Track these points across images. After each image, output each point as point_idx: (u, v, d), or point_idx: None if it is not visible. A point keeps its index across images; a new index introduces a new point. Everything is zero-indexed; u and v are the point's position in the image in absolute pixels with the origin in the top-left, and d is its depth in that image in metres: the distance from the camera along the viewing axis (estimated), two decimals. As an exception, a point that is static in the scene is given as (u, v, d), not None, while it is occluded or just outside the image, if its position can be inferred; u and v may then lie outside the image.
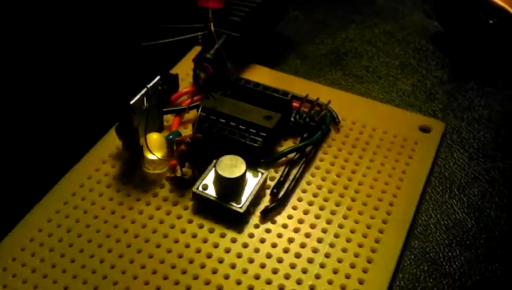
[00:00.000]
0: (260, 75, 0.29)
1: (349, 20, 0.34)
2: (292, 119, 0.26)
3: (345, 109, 0.27)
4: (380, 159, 0.25)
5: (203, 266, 0.21)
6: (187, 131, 0.26)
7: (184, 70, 0.29)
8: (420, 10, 0.34)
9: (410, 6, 0.35)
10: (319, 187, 0.24)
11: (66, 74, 0.30)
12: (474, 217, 0.23)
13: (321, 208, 0.23)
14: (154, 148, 0.24)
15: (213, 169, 0.23)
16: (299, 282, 0.21)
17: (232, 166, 0.23)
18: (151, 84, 0.23)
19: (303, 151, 0.25)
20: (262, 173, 0.23)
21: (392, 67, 0.31)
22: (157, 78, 0.23)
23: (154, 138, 0.24)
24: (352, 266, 0.21)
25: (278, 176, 0.24)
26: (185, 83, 0.28)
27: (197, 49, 0.31)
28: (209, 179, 0.23)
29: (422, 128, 0.27)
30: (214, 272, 0.21)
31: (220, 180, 0.23)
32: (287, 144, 0.26)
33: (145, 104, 0.22)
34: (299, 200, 0.23)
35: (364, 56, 0.31)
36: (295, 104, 0.27)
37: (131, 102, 0.22)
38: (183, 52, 0.31)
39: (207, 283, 0.21)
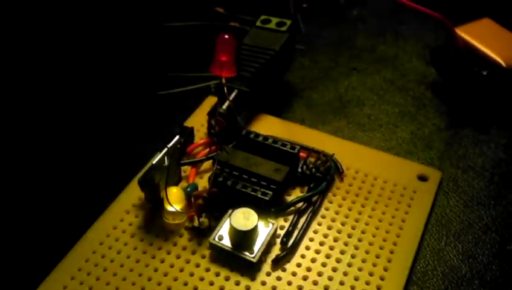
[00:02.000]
0: (269, 125, 0.31)
1: (351, 67, 0.36)
2: (299, 169, 0.28)
3: (348, 158, 0.29)
4: (381, 208, 0.27)
5: (220, 313, 0.23)
6: (203, 181, 0.28)
7: (198, 121, 0.32)
8: (420, 57, 0.36)
9: (410, 53, 0.37)
10: (325, 236, 0.26)
11: (87, 126, 0.33)
12: (468, 263, 0.25)
13: (327, 256, 0.25)
14: (174, 200, 0.26)
15: (228, 220, 0.25)
16: (307, 327, 0.23)
17: (245, 218, 0.25)
18: (171, 143, 0.25)
19: (310, 200, 0.27)
20: (273, 224, 0.26)
21: (392, 115, 0.33)
22: (177, 137, 0.26)
23: (174, 192, 0.26)
24: (357, 310, 0.23)
25: (287, 225, 0.26)
26: (200, 134, 0.31)
27: (210, 99, 0.33)
28: (224, 229, 0.25)
29: (420, 176, 0.29)
30: (230, 318, 0.23)
31: (234, 231, 0.25)
32: (295, 193, 0.28)
33: (166, 162, 0.25)
34: (307, 248, 0.26)
35: (366, 104, 0.34)
36: (302, 154, 0.29)
37: (154, 162, 0.24)
38: (195, 101, 0.33)
39: (223, 328, 0.23)
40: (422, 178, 0.29)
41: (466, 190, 0.29)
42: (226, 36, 0.25)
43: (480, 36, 0.31)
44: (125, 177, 0.29)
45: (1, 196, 0.29)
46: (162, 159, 0.25)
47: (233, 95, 0.30)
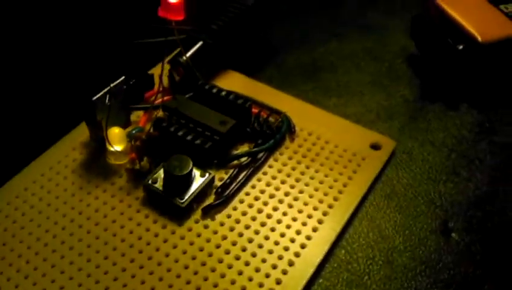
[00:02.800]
0: (233, 81, 0.31)
1: (333, 33, 0.35)
2: (250, 125, 0.28)
3: (304, 120, 0.29)
4: (325, 171, 0.27)
5: (140, 251, 0.23)
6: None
7: (166, 70, 0.32)
8: (407, 29, 0.35)
9: (398, 25, 0.36)
10: (262, 191, 0.26)
11: (60, 65, 0.33)
12: (403, 235, 0.25)
13: (259, 211, 0.25)
14: (116, 141, 0.26)
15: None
16: (222, 276, 0.23)
17: (179, 165, 0.25)
18: (114, 83, 0.25)
19: (254, 156, 0.27)
20: (210, 174, 0.25)
21: (362, 83, 0.32)
22: (122, 78, 0.26)
23: (116, 132, 0.26)
24: (274, 267, 0.23)
25: (226, 177, 0.26)
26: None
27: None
28: (160, 174, 0.25)
29: (372, 145, 0.28)
30: (149, 258, 0.23)
31: (166, 176, 0.25)
32: (243, 149, 0.28)
33: (107, 100, 0.25)
34: (241, 201, 0.25)
35: (338, 71, 0.33)
36: (255, 110, 0.28)
37: (94, 98, 0.25)
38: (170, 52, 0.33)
39: (141, 267, 0.23)
40: (375, 146, 0.28)
41: (419, 163, 0.28)
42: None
43: (459, 7, 0.30)
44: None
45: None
46: (103, 97, 0.25)
47: (197, 46, 0.30)
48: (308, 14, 0.37)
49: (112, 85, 0.25)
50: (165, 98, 0.29)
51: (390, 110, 0.30)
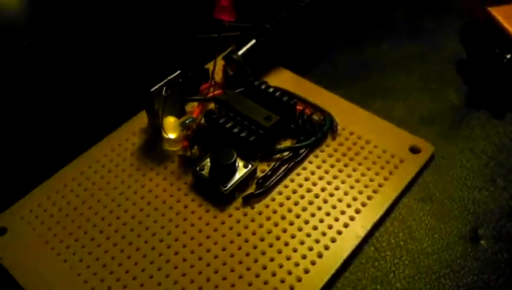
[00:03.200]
0: (282, 78, 0.33)
1: (385, 35, 0.36)
2: (295, 121, 0.30)
3: (347, 120, 0.30)
4: (363, 170, 0.28)
5: (184, 232, 0.26)
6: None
7: (220, 65, 0.33)
8: (457, 34, 0.35)
9: (450, 30, 0.36)
10: (300, 185, 0.28)
11: (123, 57, 0.36)
12: (432, 238, 0.26)
13: (295, 203, 0.27)
14: (170, 129, 0.28)
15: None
16: (255, 261, 0.25)
17: (225, 155, 0.27)
18: (171, 76, 0.28)
19: (296, 151, 0.29)
20: (252, 165, 0.27)
21: (410, 87, 0.33)
22: (178, 72, 0.28)
23: (171, 121, 0.28)
24: (304, 257, 0.25)
25: (269, 168, 0.28)
26: (217, 76, 0.33)
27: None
28: (207, 162, 0.28)
29: (412, 148, 0.29)
30: (192, 238, 0.26)
31: (212, 164, 0.27)
32: (286, 143, 0.29)
33: (164, 92, 0.27)
34: (279, 193, 0.27)
35: (387, 73, 0.34)
36: (299, 107, 0.30)
37: (152, 89, 0.27)
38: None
39: (184, 246, 0.25)
40: (414, 150, 0.29)
41: (457, 169, 0.28)
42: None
43: (509, 15, 0.30)
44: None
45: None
46: (160, 89, 0.27)
47: (250, 44, 0.32)
48: (362, 15, 0.38)
49: (168, 78, 0.28)
50: (218, 91, 0.31)
51: (434, 114, 0.31)
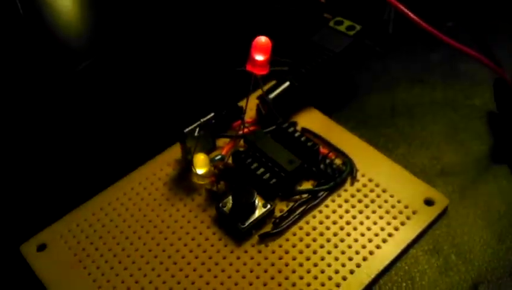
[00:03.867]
0: (311, 118, 0.35)
1: (418, 78, 0.37)
2: (317, 166, 0.31)
3: (368, 166, 0.32)
4: (375, 219, 0.29)
5: (203, 263, 0.28)
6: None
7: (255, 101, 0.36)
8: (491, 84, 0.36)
9: (486, 77, 0.36)
10: (314, 228, 0.29)
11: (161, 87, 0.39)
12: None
13: (307, 246, 0.28)
14: (199, 165, 0.31)
15: (235, 192, 0.30)
16: (264, 298, 0.27)
17: (246, 194, 0.29)
18: (205, 118, 0.30)
19: (314, 194, 0.30)
20: (271, 205, 0.29)
21: (435, 134, 0.34)
22: (212, 114, 0.30)
23: (201, 158, 0.31)
24: (308, 299, 0.27)
25: (285, 209, 0.30)
26: (251, 112, 0.35)
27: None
28: (230, 199, 0.30)
29: (426, 200, 0.30)
30: (209, 270, 0.28)
31: (233, 202, 0.29)
32: (307, 185, 0.31)
33: (196, 133, 0.30)
34: (294, 234, 0.29)
35: (415, 118, 0.35)
36: (324, 150, 0.32)
37: (185, 130, 0.30)
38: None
39: (200, 276, 0.28)
40: (428, 202, 0.30)
41: (469, 224, 0.29)
42: (263, 39, 0.28)
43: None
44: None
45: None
46: (193, 129, 0.30)
47: (284, 86, 0.34)
48: (398, 56, 0.39)
49: (202, 120, 0.30)
50: (251, 128, 0.33)
51: (455, 166, 0.32)
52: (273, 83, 0.35)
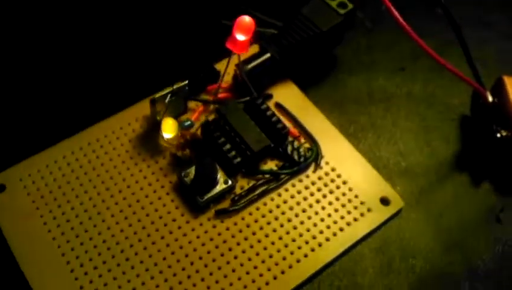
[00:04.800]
0: (287, 94, 0.34)
1: (400, 66, 0.37)
2: (283, 146, 0.31)
3: (333, 154, 0.32)
4: (330, 211, 0.30)
5: (157, 229, 0.29)
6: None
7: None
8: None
9: (467, 75, 0.36)
10: (270, 211, 0.30)
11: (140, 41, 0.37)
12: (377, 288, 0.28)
13: (260, 228, 0.29)
14: (167, 129, 0.30)
15: (198, 164, 0.30)
16: (211, 273, 0.28)
17: (208, 168, 0.29)
18: (178, 85, 0.29)
19: (277, 176, 0.31)
20: (232, 182, 0.30)
21: (408, 130, 0.34)
22: (186, 82, 0.30)
23: (169, 123, 0.30)
24: (253, 281, 0.28)
25: (247, 187, 0.30)
26: (228, 77, 0.34)
27: (253, 48, 0.35)
28: (193, 170, 0.30)
29: (383, 199, 0.31)
30: (162, 237, 0.29)
31: (195, 174, 0.29)
32: (271, 164, 0.31)
33: (167, 99, 0.29)
34: (250, 214, 0.30)
35: (391, 109, 0.35)
36: (294, 132, 0.32)
37: (156, 96, 0.29)
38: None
39: (153, 243, 0.28)
40: (385, 201, 0.31)
41: (418, 230, 0.30)
42: (247, 19, 0.27)
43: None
44: (156, 86, 0.33)
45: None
46: (164, 96, 0.29)
47: (263, 57, 0.33)
48: (385, 35, 0.38)
49: (175, 87, 0.29)
50: (224, 94, 0.33)
51: (419, 166, 0.32)
52: (254, 49, 0.34)
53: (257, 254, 0.29)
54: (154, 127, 0.32)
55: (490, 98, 0.31)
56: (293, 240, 0.29)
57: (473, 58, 0.31)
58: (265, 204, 0.30)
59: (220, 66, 0.33)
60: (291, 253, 0.29)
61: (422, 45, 0.29)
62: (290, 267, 0.28)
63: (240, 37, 0.27)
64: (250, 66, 0.32)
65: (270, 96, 0.34)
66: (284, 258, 0.28)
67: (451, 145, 0.33)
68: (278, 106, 0.33)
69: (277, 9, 0.38)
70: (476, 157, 0.33)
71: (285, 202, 0.30)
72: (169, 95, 0.29)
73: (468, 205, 0.31)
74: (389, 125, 0.34)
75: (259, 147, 0.30)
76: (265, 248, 0.29)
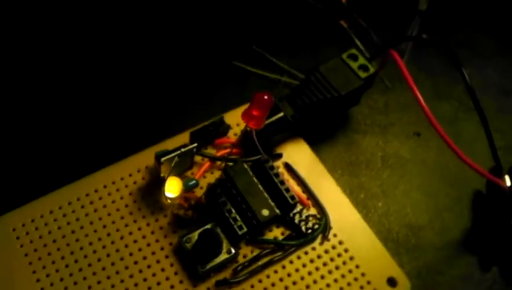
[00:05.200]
0: (299, 154, 0.33)
1: (415, 130, 0.35)
2: (291, 215, 0.30)
3: (342, 226, 0.31)
4: (335, 289, 0.29)
5: (153, 297, 0.28)
6: (211, 177, 0.31)
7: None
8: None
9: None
10: (273, 284, 0.29)
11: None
12: None
13: (261, 303, 0.28)
14: (171, 189, 0.29)
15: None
16: None
17: (212, 239, 0.28)
18: (186, 148, 0.28)
19: (281, 247, 0.29)
20: (235, 252, 0.28)
21: (418, 203, 0.33)
22: (194, 145, 0.28)
23: (173, 182, 0.29)
24: None
25: (250, 256, 0.29)
26: (238, 129, 0.33)
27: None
28: (195, 236, 0.28)
29: (390, 279, 0.30)
30: (157, 306, 0.27)
31: (197, 242, 0.28)
32: (277, 232, 0.30)
33: (173, 162, 0.28)
34: (251, 286, 0.28)
35: (403, 178, 0.33)
36: (305, 202, 0.30)
37: (162, 159, 0.28)
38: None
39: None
40: (391, 282, 0.30)
41: (422, 314, 0.29)
42: (265, 97, 0.26)
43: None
44: (161, 134, 0.32)
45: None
46: (171, 159, 0.28)
47: (276, 116, 0.31)
48: (403, 96, 0.37)
49: (183, 150, 0.28)
50: (233, 150, 0.31)
51: (430, 244, 0.31)
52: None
53: (257, 331, 0.28)
54: (157, 181, 0.30)
55: (508, 183, 0.30)
56: (294, 319, 0.28)
57: (493, 137, 0.30)
58: (268, 276, 0.29)
59: (229, 117, 0.32)
60: (292, 333, 0.28)
61: (431, 118, 0.28)
62: None
63: (256, 112, 0.25)
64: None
65: (280, 156, 0.32)
66: (284, 339, 0.28)
67: (463, 222, 0.32)
68: (287, 166, 0.32)
69: (291, 51, 0.37)
70: (487, 238, 0.32)
71: (289, 275, 0.29)
72: (176, 158, 0.28)
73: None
74: (400, 195, 0.33)
75: (266, 219, 0.29)
76: (267, 325, 0.28)
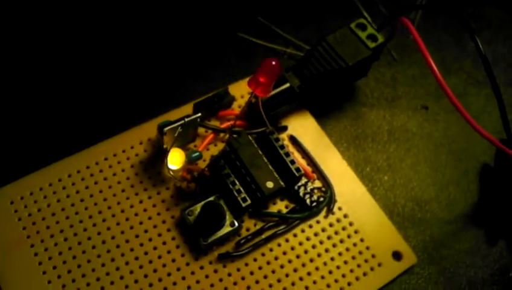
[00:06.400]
0: (304, 127, 0.32)
1: (423, 104, 0.34)
2: (296, 187, 0.29)
3: (347, 199, 0.30)
4: (339, 262, 0.28)
5: (155, 270, 0.27)
6: (215, 149, 0.30)
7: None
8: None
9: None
10: (276, 258, 0.28)
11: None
12: None
13: (265, 276, 0.28)
14: (174, 161, 0.28)
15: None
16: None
17: (215, 211, 0.27)
18: (189, 118, 0.27)
19: (285, 220, 0.29)
20: (238, 225, 0.28)
21: (425, 177, 0.32)
22: (198, 115, 0.27)
23: (176, 154, 0.28)
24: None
25: (253, 230, 0.29)
26: (243, 100, 0.32)
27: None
28: (197, 208, 0.28)
29: (395, 253, 0.29)
30: (160, 280, 0.27)
31: (200, 215, 0.28)
32: (282, 204, 0.29)
33: (177, 131, 0.27)
34: (254, 260, 0.28)
35: (409, 153, 0.33)
36: (310, 175, 0.30)
37: (165, 129, 0.27)
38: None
39: (150, 285, 0.27)
40: (396, 255, 0.29)
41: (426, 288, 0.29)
42: (273, 63, 0.25)
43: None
44: (164, 106, 0.31)
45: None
46: (175, 129, 0.27)
47: (282, 87, 0.31)
48: (410, 68, 0.36)
49: (186, 119, 0.27)
50: (237, 122, 0.31)
51: (436, 217, 0.31)
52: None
53: (261, 305, 0.27)
54: (159, 153, 0.30)
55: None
56: (298, 293, 0.28)
57: (506, 110, 0.29)
58: (271, 250, 0.28)
59: (233, 89, 0.31)
60: (296, 307, 0.27)
61: (447, 90, 0.27)
62: (293, 323, 0.27)
63: (263, 79, 0.25)
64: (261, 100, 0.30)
65: (285, 128, 0.31)
66: (287, 313, 0.27)
67: (470, 196, 0.32)
68: (293, 139, 0.31)
69: (297, 22, 0.36)
70: (494, 212, 0.31)
71: (292, 248, 0.29)
72: (179, 128, 0.27)
73: (481, 264, 0.30)
74: (407, 168, 0.32)
75: (271, 191, 0.28)
76: (271, 298, 0.27)
